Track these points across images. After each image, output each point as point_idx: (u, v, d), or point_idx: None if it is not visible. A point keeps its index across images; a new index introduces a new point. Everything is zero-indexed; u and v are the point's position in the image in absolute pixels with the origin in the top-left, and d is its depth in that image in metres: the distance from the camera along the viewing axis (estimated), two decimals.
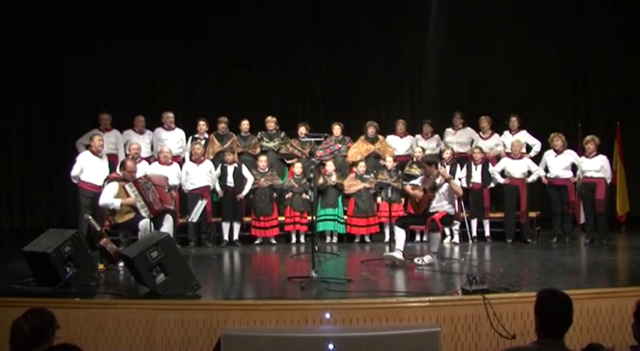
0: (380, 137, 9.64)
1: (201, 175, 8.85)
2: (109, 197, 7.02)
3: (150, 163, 8.83)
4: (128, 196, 7.05)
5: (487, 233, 8.96)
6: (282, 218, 9.17)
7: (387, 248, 7.38)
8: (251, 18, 11.19)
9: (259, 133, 9.70)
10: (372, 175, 9.18)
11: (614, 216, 9.61)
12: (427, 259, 6.91)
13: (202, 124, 9.43)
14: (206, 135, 9.46)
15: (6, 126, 10.89)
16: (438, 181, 7.00)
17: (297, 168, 9.17)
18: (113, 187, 7.09)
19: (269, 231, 9.04)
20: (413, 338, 4.58)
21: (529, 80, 11.18)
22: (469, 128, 9.68)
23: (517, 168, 8.81)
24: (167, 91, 11.08)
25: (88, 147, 8.43)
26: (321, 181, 8.98)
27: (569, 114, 11.14)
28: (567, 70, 11.28)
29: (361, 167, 9.17)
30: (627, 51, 10.81)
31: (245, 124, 9.58)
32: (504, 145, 9.39)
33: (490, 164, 9.04)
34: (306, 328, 4.79)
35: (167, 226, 7.10)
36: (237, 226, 9.08)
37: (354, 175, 9.21)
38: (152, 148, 9.37)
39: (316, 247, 6.14)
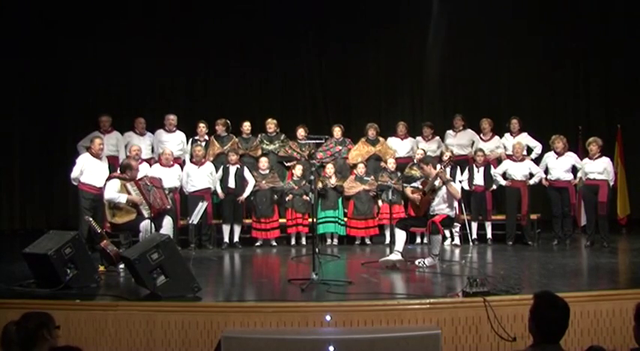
0: (381, 139, 9.64)
1: (201, 177, 8.85)
2: (114, 192, 7.03)
3: (150, 165, 8.83)
4: (129, 193, 7.07)
5: (489, 235, 8.94)
6: (282, 220, 9.17)
7: (388, 250, 7.37)
8: (252, 19, 11.20)
9: (259, 136, 9.69)
10: (372, 177, 9.18)
11: (614, 218, 9.60)
12: (428, 261, 6.91)
13: (202, 126, 9.44)
14: (206, 137, 9.47)
15: (7, 127, 10.88)
16: (436, 183, 7.00)
17: (297, 170, 9.18)
18: (115, 183, 7.10)
19: (269, 233, 9.04)
20: (413, 340, 4.58)
21: (530, 82, 11.18)
22: (470, 130, 9.67)
23: (519, 170, 8.80)
24: (168, 93, 11.10)
25: (88, 149, 8.44)
26: (320, 185, 8.97)
27: (569, 116, 11.13)
28: (568, 71, 11.28)
29: (361, 169, 9.16)
30: (628, 52, 10.81)
31: (246, 126, 9.57)
32: (505, 148, 9.40)
33: (492, 166, 9.05)
34: (307, 331, 4.79)
35: (167, 226, 7.11)
36: (237, 228, 9.07)
37: (354, 177, 9.20)
38: (152, 150, 9.38)
39: (316, 249, 6.14)
